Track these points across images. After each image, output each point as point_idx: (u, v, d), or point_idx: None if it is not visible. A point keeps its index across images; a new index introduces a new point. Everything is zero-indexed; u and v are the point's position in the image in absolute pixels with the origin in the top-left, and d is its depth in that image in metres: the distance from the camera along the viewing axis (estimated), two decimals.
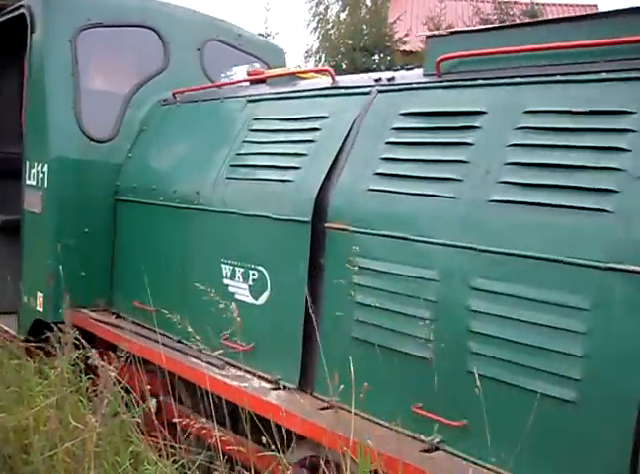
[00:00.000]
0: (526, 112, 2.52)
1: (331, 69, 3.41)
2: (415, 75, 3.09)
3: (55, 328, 3.68)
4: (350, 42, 22.58)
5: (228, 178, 3.54)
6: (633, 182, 2.15)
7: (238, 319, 2.94)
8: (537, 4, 20.59)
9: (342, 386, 2.69)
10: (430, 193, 2.64)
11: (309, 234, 2.98)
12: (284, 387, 2.98)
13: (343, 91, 3.29)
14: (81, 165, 4.36)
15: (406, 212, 2.70)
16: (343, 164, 3.02)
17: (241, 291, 3.29)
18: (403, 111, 2.93)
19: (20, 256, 4.63)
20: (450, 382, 2.50)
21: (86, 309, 4.28)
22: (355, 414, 2.76)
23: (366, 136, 3.01)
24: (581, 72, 2.45)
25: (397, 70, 3.26)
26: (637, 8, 2.35)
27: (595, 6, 24.86)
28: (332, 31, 24.20)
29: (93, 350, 3.34)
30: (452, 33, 3.02)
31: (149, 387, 3.15)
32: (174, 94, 4.42)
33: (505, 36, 2.79)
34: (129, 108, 4.56)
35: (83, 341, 3.55)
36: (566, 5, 25.03)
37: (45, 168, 4.32)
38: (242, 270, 3.29)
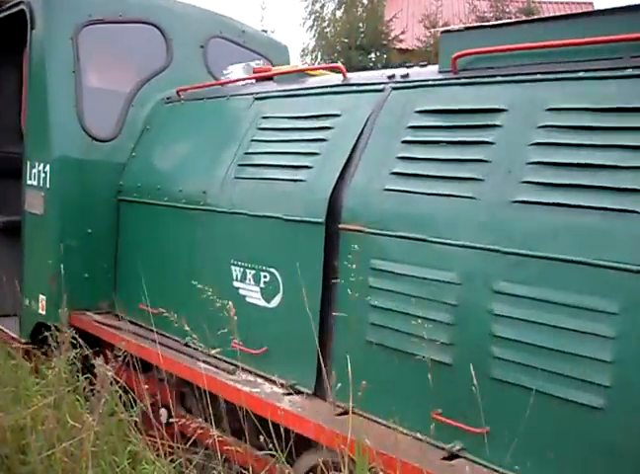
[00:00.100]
0: (549, 109, 2.45)
1: (342, 66, 3.31)
2: (430, 72, 3.02)
3: (53, 327, 3.62)
4: (346, 41, 22.54)
5: (237, 177, 3.46)
6: None
7: (235, 318, 2.88)
8: (533, 2, 20.58)
9: (359, 394, 2.62)
10: (449, 193, 2.57)
11: (323, 235, 2.90)
12: (300, 392, 2.90)
13: (355, 88, 3.22)
14: (83, 165, 4.27)
15: (424, 213, 2.63)
16: (357, 163, 2.94)
17: (252, 294, 3.21)
18: (419, 108, 2.85)
19: (21, 258, 4.53)
20: (472, 388, 2.43)
21: (90, 312, 4.19)
22: (371, 420, 2.70)
23: (381, 135, 2.93)
24: (605, 68, 2.38)
25: (410, 67, 3.18)
26: None
27: (591, 4, 24.86)
28: (328, 29, 24.15)
29: (90, 349, 3.29)
30: (468, 28, 2.95)
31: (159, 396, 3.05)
32: (178, 92, 4.33)
33: (523, 31, 2.71)
34: (132, 106, 4.47)
35: (80, 340, 3.51)
36: (562, 3, 25.01)
37: (47, 168, 4.23)
38: (253, 272, 3.21)
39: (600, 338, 2.13)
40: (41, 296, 4.28)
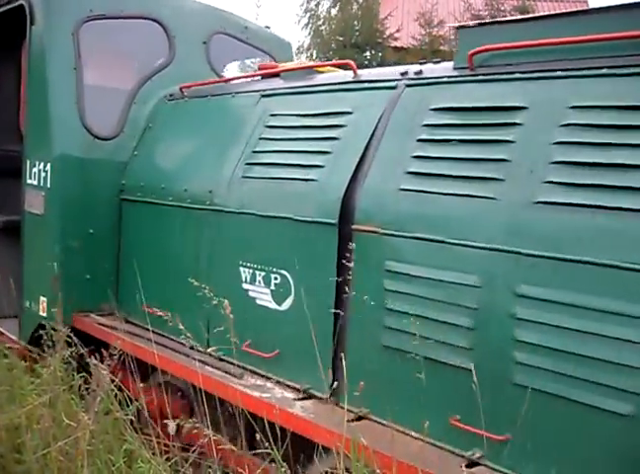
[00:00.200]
0: (572, 107, 2.38)
1: (353, 62, 3.23)
2: (444, 68, 2.95)
3: (47, 326, 3.57)
4: (341, 39, 22.50)
5: (244, 177, 3.38)
6: None
7: (231, 316, 2.82)
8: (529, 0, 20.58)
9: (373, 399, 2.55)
10: (468, 193, 2.50)
11: (336, 237, 2.83)
12: (313, 397, 2.82)
13: (366, 85, 3.14)
14: (85, 163, 4.18)
15: (442, 214, 2.56)
16: (370, 162, 2.87)
17: (263, 296, 3.13)
18: (434, 106, 2.78)
19: (20, 258, 4.44)
20: (493, 394, 2.37)
21: (92, 314, 4.10)
22: (388, 426, 2.63)
23: (395, 133, 2.86)
24: (630, 65, 2.31)
25: (423, 63, 3.11)
26: None
27: (585, 2, 24.85)
28: (323, 27, 24.09)
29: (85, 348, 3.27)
30: (485, 24, 2.88)
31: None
32: (181, 89, 4.24)
33: (541, 27, 2.64)
34: (134, 103, 4.38)
35: (75, 338, 3.46)
36: (557, 1, 25.00)
37: (48, 167, 4.14)
38: (263, 274, 3.13)
39: (628, 343, 2.06)
40: (42, 298, 4.19)
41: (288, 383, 2.99)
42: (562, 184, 2.29)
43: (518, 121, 2.49)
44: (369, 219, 2.77)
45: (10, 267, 4.59)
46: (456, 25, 2.92)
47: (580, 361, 2.16)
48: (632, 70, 2.30)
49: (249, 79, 4.04)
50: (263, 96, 3.62)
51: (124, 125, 4.32)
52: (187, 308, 3.45)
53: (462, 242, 2.46)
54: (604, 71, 2.36)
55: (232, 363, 3.05)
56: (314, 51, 23.35)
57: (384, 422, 2.66)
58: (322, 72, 3.62)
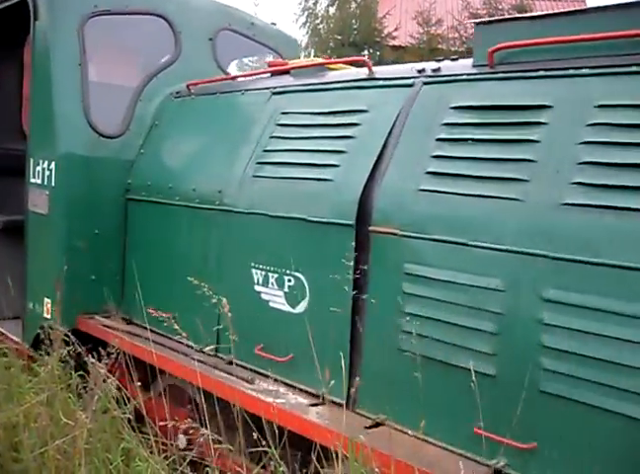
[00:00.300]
0: (598, 106, 2.31)
1: (367, 59, 3.16)
2: (463, 66, 2.87)
3: (46, 325, 3.53)
4: (339, 37, 22.45)
5: (255, 176, 3.30)
6: None
7: (229, 315, 2.78)
8: None
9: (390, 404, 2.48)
10: (491, 194, 2.43)
11: (353, 238, 2.75)
12: (328, 402, 2.75)
13: (382, 83, 3.06)
14: (90, 162, 4.08)
15: (464, 215, 2.48)
16: (388, 162, 2.79)
17: (276, 299, 3.05)
18: (454, 104, 2.71)
19: (24, 259, 4.35)
20: (518, 401, 2.29)
21: (97, 315, 4.02)
22: (408, 434, 2.56)
23: (413, 132, 2.78)
24: None
25: (439, 61, 3.03)
26: None
27: (583, 1, 24.83)
28: (321, 26, 24.04)
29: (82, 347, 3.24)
30: (504, 20, 2.81)
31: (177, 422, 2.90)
32: (188, 86, 4.15)
33: (565, 23, 2.57)
34: (140, 101, 4.29)
35: (72, 337, 3.41)
36: (555, 0, 24.97)
37: (52, 165, 4.05)
38: (276, 276, 3.05)
39: None
40: (46, 300, 4.10)
41: (302, 388, 2.91)
42: (590, 185, 2.22)
43: (542, 121, 2.42)
44: (388, 220, 2.69)
45: (12, 267, 4.51)
46: (476, 21, 2.84)
47: (609, 368, 2.09)
48: None
49: (258, 76, 3.95)
50: (274, 93, 3.54)
51: (130, 123, 4.23)
52: (194, 310, 3.38)
53: (486, 244, 2.39)
54: (634, 69, 2.29)
55: (244, 367, 2.98)
56: (312, 50, 23.29)
57: (403, 428, 2.60)
58: (334, 69, 3.54)
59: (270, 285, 3.09)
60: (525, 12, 17.90)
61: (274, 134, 3.34)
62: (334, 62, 3.58)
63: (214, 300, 2.87)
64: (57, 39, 4.09)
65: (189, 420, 2.87)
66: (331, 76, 3.42)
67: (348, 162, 2.91)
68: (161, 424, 3.04)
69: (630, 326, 2.06)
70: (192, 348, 3.38)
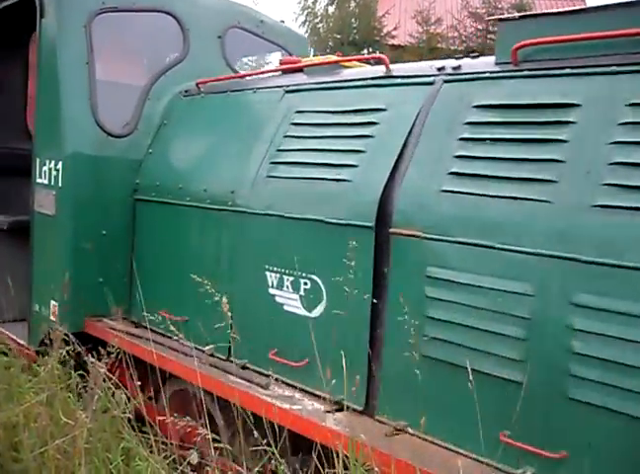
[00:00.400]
0: (630, 104, 2.24)
1: (385, 57, 3.08)
2: (484, 64, 2.80)
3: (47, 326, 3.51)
4: (338, 37, 22.45)
5: (269, 176, 3.22)
6: None
7: (229, 314, 2.73)
8: None
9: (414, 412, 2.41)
10: (517, 195, 2.36)
11: (373, 241, 2.68)
12: (346, 408, 2.68)
13: (400, 81, 2.99)
14: (98, 162, 4.00)
15: (489, 217, 2.41)
16: (408, 162, 2.72)
17: (291, 302, 2.98)
18: (477, 103, 2.63)
19: (30, 260, 4.27)
20: (547, 409, 2.23)
21: (105, 318, 3.94)
22: (433, 443, 2.49)
23: (434, 131, 2.71)
24: None
25: (459, 58, 2.96)
26: None
27: (583, 1, 24.81)
28: (320, 25, 24.02)
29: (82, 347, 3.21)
30: (528, 16, 2.73)
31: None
32: (197, 84, 4.08)
33: (591, 19, 2.50)
34: (148, 99, 4.20)
35: (72, 337, 3.38)
36: None
37: (59, 165, 3.97)
38: (291, 278, 2.98)
39: None
40: (53, 302, 4.02)
41: (319, 394, 2.83)
42: (622, 186, 2.15)
43: (571, 120, 2.35)
44: (409, 222, 2.62)
45: (18, 269, 4.43)
46: (499, 17, 2.77)
47: None
48: None
49: (269, 74, 3.88)
50: (287, 91, 3.46)
51: (138, 122, 4.14)
52: (205, 312, 3.30)
53: (513, 247, 2.32)
54: None
55: (260, 373, 2.90)
56: (312, 49, 23.26)
57: (425, 436, 2.53)
58: (348, 67, 3.46)
59: (285, 288, 3.01)
60: (525, 11, 17.85)
61: (288, 133, 3.26)
62: (349, 60, 3.50)
63: (217, 298, 2.83)
64: (64, 36, 4.00)
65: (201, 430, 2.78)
66: (347, 74, 3.34)
67: (367, 162, 2.84)
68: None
69: None
70: (203, 352, 3.32)
